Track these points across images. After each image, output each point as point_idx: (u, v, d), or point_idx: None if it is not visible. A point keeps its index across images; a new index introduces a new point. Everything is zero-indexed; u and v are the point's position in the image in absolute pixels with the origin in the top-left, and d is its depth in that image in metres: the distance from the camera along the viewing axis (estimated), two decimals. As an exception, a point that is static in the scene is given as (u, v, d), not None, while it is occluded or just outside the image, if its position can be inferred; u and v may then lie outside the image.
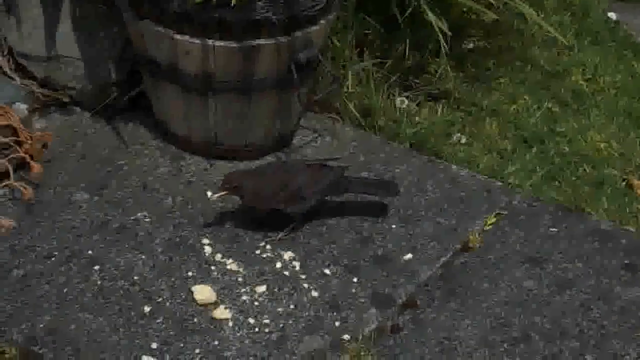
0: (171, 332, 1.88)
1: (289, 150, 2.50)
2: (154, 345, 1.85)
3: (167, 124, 2.45)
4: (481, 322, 1.99)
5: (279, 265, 2.09)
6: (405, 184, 2.40)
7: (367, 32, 2.73)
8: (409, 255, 2.15)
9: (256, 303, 1.97)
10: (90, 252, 2.08)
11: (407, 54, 2.74)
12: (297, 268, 2.08)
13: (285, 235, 2.13)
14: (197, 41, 2.20)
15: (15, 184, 2.22)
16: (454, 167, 2.49)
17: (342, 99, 2.65)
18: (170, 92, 2.34)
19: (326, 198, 2.20)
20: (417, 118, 2.68)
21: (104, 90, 2.52)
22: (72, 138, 2.47)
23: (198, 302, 1.95)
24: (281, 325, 1.92)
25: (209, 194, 2.24)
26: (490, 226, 2.28)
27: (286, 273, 2.06)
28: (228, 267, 2.07)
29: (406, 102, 2.73)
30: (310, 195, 2.14)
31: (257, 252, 2.12)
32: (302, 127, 2.59)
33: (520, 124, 2.70)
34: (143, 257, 2.08)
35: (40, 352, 1.82)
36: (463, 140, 2.62)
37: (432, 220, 2.27)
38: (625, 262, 2.17)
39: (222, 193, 2.11)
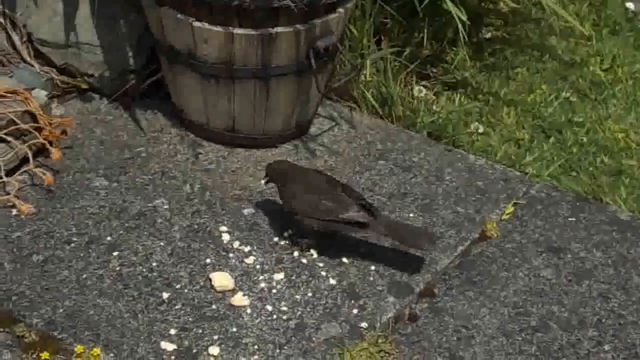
0: (190, 319, 1.88)
1: (307, 138, 2.49)
2: (173, 332, 1.85)
3: (185, 111, 2.44)
4: (499, 311, 1.98)
5: (296, 253, 2.08)
6: (423, 173, 2.39)
7: (385, 20, 2.71)
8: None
9: (274, 290, 1.97)
10: (109, 238, 2.08)
11: (425, 42, 2.72)
12: (315, 256, 2.07)
13: (307, 248, 2.06)
14: (216, 28, 2.19)
15: (35, 169, 2.21)
16: (471, 156, 2.48)
17: (360, 88, 2.64)
18: (188, 79, 2.33)
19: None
20: (434, 107, 2.67)
21: (122, 77, 2.51)
22: (91, 124, 2.47)
23: (216, 289, 1.95)
24: (299, 312, 1.91)
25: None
26: (508, 215, 2.26)
27: (304, 261, 2.06)
28: (246, 254, 2.06)
29: (424, 91, 2.71)
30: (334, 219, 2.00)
31: (275, 239, 2.11)
32: (320, 116, 2.58)
33: (538, 114, 2.68)
34: (162, 243, 2.07)
35: (60, 337, 1.82)
36: (481, 130, 2.60)
37: (450, 209, 2.26)
38: (644, 252, 2.15)
39: (265, 180, 2.10)
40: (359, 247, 2.11)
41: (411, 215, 2.23)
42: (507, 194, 2.34)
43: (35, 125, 2.28)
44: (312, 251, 2.08)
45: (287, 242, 2.10)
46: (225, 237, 2.10)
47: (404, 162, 2.44)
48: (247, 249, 2.08)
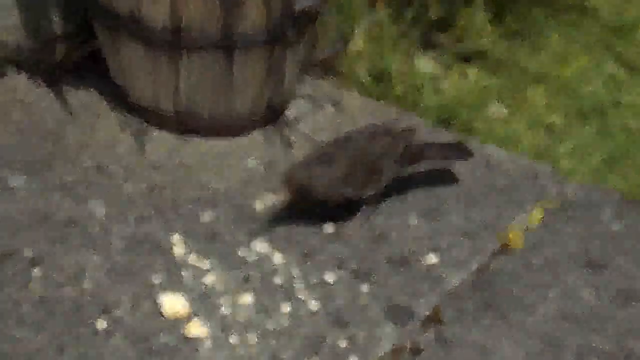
0: (132, 354, 1.87)
1: (282, 124, 2.49)
2: (111, 370, 1.84)
3: (129, 90, 2.43)
4: (525, 343, 1.98)
5: (268, 269, 2.07)
6: (428, 168, 2.39)
7: (381, -25, 2.72)
8: (433, 258, 2.14)
9: (240, 317, 1.96)
10: (28, 251, 2.07)
11: (431, 2, 2.73)
12: (292, 273, 2.07)
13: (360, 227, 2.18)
14: (166, -16, 2.19)
15: None
16: (490, 146, 2.49)
17: (349, 61, 2.64)
18: (131, 49, 2.32)
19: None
20: (443, 85, 2.67)
21: (47, 47, 2.50)
22: (7, 107, 2.45)
23: (166, 315, 1.94)
24: (272, 345, 1.91)
25: (257, 205, 2.21)
26: (537, 222, 2.27)
27: (278, 280, 2.05)
28: (204, 271, 2.05)
29: (430, 64, 2.72)
30: (385, 172, 2.19)
31: (241, 252, 2.10)
32: (298, 96, 2.58)
33: (574, 93, 2.69)
34: (97, 258, 2.06)
35: (-34, 378, 1.81)
36: (501, 113, 2.61)
37: (462, 214, 2.26)
38: None
39: (285, 197, 2.13)
40: (349, 261, 2.10)
41: (412, 222, 2.23)
42: (535, 194, 2.34)
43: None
44: (288, 267, 2.08)
45: (255, 256, 2.10)
46: (179, 250, 2.10)
47: (405, 155, 2.45)
48: (205, 264, 2.07)
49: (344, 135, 2.25)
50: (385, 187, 2.21)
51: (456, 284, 2.09)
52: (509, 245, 2.20)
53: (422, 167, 2.32)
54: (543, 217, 2.28)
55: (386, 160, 2.19)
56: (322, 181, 2.12)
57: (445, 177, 2.34)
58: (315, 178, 2.12)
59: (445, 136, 2.49)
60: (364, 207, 2.19)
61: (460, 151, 2.33)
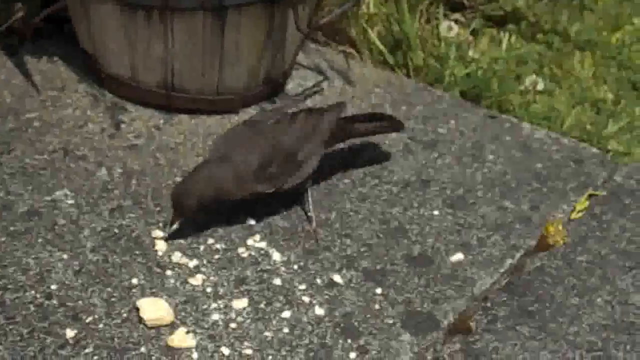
0: (107, 368, 1.89)
1: (282, 99, 2.49)
2: (82, 387, 1.85)
3: (101, 59, 2.44)
4: (567, 355, 1.99)
5: (266, 268, 2.09)
6: (453, 151, 2.40)
7: None
8: (459, 256, 2.15)
9: (233, 325, 1.97)
10: (-15, 248, 2.08)
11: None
12: (294, 273, 2.08)
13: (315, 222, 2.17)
14: None
15: None
16: (526, 125, 2.50)
17: (361, 24, 2.64)
18: (104, 10, 2.33)
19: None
20: (471, 53, 2.67)
21: (4, 8, 2.51)
22: (-41, 80, 2.47)
23: (147, 322, 1.95)
24: (269, 357, 1.92)
25: (158, 233, 2.14)
26: (581, 213, 2.28)
27: (277, 281, 2.06)
28: (191, 271, 2.06)
29: (455, 28, 2.72)
30: (309, 157, 2.17)
31: (235, 248, 2.12)
32: (301, 66, 2.58)
33: (626, 62, 2.69)
34: (65, 256, 2.07)
35: None
36: (541, 86, 2.62)
37: (493, 204, 2.27)
38: None
39: (178, 222, 2.09)
40: (360, 260, 2.11)
41: (435, 212, 2.24)
42: (580, 181, 2.35)
43: None
44: (289, 266, 2.08)
45: (252, 252, 2.11)
46: (161, 246, 2.11)
47: (426, 135, 2.45)
48: (192, 263, 2.08)
49: (253, 119, 2.23)
50: (314, 172, 2.19)
51: (487, 287, 2.10)
52: (548, 241, 2.21)
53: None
54: (589, 208, 2.29)
55: (308, 145, 2.17)
56: (223, 184, 2.08)
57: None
58: (215, 182, 2.07)
59: (475, 112, 2.50)
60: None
61: (392, 123, 2.35)
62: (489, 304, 2.08)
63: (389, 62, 2.65)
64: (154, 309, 1.96)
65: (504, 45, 2.72)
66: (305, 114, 2.21)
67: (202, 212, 2.11)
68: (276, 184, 2.13)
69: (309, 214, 2.18)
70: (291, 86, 2.55)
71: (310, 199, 2.19)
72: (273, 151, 2.12)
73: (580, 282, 2.14)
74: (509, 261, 2.15)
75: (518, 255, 2.17)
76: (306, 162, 2.17)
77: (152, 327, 1.94)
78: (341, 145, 2.35)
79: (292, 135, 2.16)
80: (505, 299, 2.09)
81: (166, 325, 1.95)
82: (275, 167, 2.12)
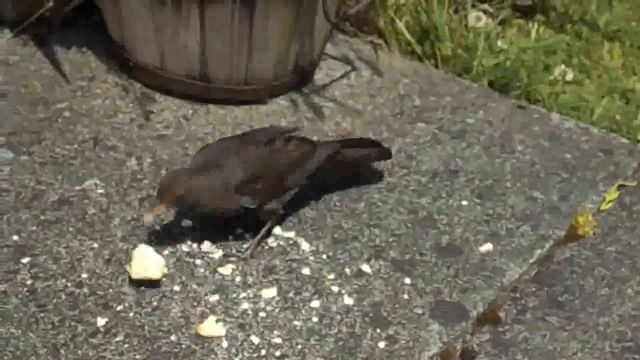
0: (137, 356, 1.89)
1: (310, 89, 2.50)
2: (112, 375, 1.87)
3: (130, 48, 2.45)
4: (596, 345, 1.99)
5: (295, 257, 2.09)
6: (482, 141, 2.40)
7: None
8: (488, 246, 2.15)
9: (262, 314, 1.97)
10: (16, 237, 2.08)
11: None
12: (323, 263, 2.09)
13: (256, 248, 2.10)
14: None
15: None
16: (555, 115, 2.49)
17: (389, 15, 2.64)
18: (134, 0, 2.34)
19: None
20: (499, 43, 2.67)
21: (33, -1, 2.52)
22: (-11, 69, 2.48)
23: (132, 276, 1.98)
24: (299, 347, 1.92)
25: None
26: (611, 204, 2.28)
27: (306, 271, 2.07)
28: (220, 261, 2.07)
29: (484, 18, 2.72)
30: (293, 186, 2.12)
31: (266, 238, 2.12)
32: (329, 56, 2.58)
33: (655, 52, 2.68)
34: (95, 245, 2.08)
35: (-55, 383, 1.84)
36: (569, 76, 2.61)
37: (522, 195, 2.28)
38: None
39: (161, 210, 2.02)
40: (388, 249, 2.12)
41: (464, 202, 2.24)
42: (609, 171, 2.35)
43: None
44: (318, 256, 2.09)
45: (280, 242, 2.12)
46: (191, 236, 2.12)
47: (454, 126, 2.45)
48: (221, 253, 2.09)
49: (245, 135, 2.17)
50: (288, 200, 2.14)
51: (516, 277, 2.10)
52: (578, 232, 2.21)
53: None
54: (619, 199, 2.29)
55: (294, 174, 2.12)
56: (203, 190, 2.03)
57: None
58: (197, 186, 2.02)
59: (503, 103, 2.50)
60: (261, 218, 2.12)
61: (381, 151, 2.28)
62: (518, 295, 2.08)
63: (416, 52, 2.64)
64: (145, 265, 1.98)
65: (532, 36, 2.71)
66: (299, 141, 2.15)
67: (179, 209, 2.08)
68: (259, 201, 2.07)
69: (257, 237, 2.09)
70: (319, 76, 2.55)
71: (269, 225, 2.11)
72: (263, 169, 2.07)
73: (610, 272, 2.13)
74: (538, 251, 2.15)
75: (547, 245, 2.17)
76: (290, 189, 2.12)
77: (136, 281, 1.98)
78: (368, 134, 2.36)
79: (285, 160, 2.11)
80: (534, 289, 2.09)
81: (152, 280, 1.98)
82: (261, 184, 2.07)
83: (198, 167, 2.06)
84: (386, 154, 2.29)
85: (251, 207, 2.07)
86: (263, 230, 2.11)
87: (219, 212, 2.08)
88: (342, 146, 2.21)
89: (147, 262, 1.99)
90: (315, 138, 2.32)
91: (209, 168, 2.05)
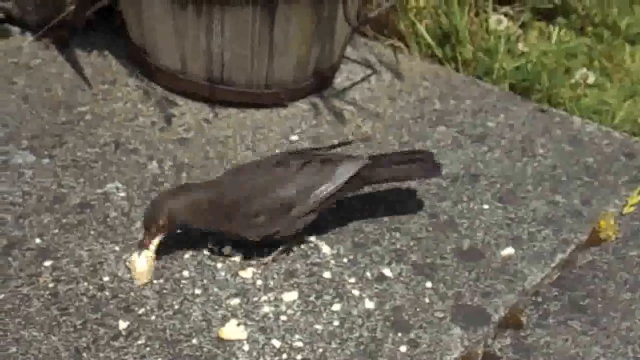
0: (158, 359, 1.89)
1: (330, 93, 2.50)
2: (134, 378, 1.87)
3: (151, 52, 2.46)
4: (619, 350, 1.98)
5: (316, 261, 2.09)
6: (503, 145, 2.39)
7: None
8: (510, 250, 2.15)
9: (283, 317, 1.98)
10: (38, 240, 2.09)
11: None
12: (344, 266, 2.09)
13: (274, 260, 2.09)
14: None
15: None
16: (576, 119, 2.49)
17: (410, 18, 2.64)
18: (154, 2, 2.34)
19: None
20: (520, 46, 2.66)
21: (55, 3, 2.52)
22: (9, 72, 2.49)
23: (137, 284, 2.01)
24: (320, 350, 1.92)
25: (138, 264, 2.03)
26: (633, 207, 2.27)
27: (327, 274, 2.07)
28: (242, 264, 2.07)
29: (505, 22, 2.71)
30: (306, 213, 2.05)
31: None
32: (349, 60, 2.58)
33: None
34: (117, 248, 2.09)
35: (-32, 385, 1.84)
36: (591, 80, 2.60)
37: (544, 199, 2.27)
38: None
39: (149, 244, 1.99)
40: (409, 253, 2.12)
41: (485, 206, 2.24)
42: (632, 175, 2.35)
43: None
44: (339, 259, 2.09)
45: (302, 246, 2.12)
46: (211, 240, 2.11)
47: (475, 129, 2.45)
48: (243, 256, 2.09)
49: (262, 161, 2.10)
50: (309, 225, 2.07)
51: (537, 281, 2.09)
52: (600, 236, 2.20)
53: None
54: (641, 203, 2.29)
55: (307, 200, 2.04)
56: (192, 211, 1.98)
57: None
58: (182, 206, 1.97)
59: (524, 106, 2.49)
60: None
61: (426, 169, 2.16)
62: (540, 299, 2.08)
63: (437, 55, 2.64)
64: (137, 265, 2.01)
65: (553, 39, 2.70)
66: (316, 164, 2.05)
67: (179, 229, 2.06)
68: (262, 233, 2.03)
69: (272, 254, 2.07)
70: (339, 80, 2.55)
71: (281, 249, 2.08)
72: (267, 200, 2.01)
73: (632, 276, 2.13)
74: (560, 255, 2.15)
75: (569, 249, 2.16)
76: (300, 218, 2.05)
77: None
78: (388, 137, 2.35)
79: (293, 188, 2.03)
80: (556, 293, 2.09)
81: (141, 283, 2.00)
82: (263, 217, 2.02)
83: (184, 186, 2.05)
84: (433, 170, 2.16)
85: (255, 240, 2.04)
86: (279, 250, 2.09)
87: (222, 231, 2.05)
88: (374, 162, 2.11)
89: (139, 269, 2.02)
90: (335, 142, 2.31)
91: (198, 186, 2.02)
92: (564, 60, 2.65)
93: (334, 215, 2.18)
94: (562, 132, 2.45)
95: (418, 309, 2.01)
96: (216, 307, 1.98)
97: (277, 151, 2.31)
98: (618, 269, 2.14)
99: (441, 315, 2.00)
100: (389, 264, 2.10)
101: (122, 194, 2.21)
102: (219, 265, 2.07)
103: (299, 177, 2.04)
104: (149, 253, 1.99)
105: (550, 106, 2.52)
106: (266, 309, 1.99)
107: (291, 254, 2.10)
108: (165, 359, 1.89)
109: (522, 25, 2.74)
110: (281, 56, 2.38)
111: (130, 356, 1.89)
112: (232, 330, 1.94)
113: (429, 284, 2.06)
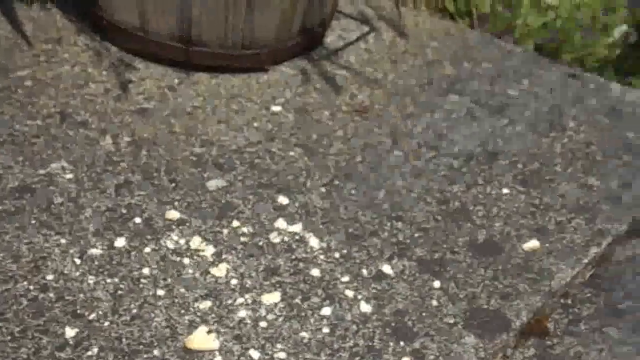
0: (113, 374, 1.91)
1: (321, 54, 2.50)
2: (84, 396, 1.88)
3: (104, 5, 2.45)
4: (664, 363, 1.99)
5: (302, 256, 2.10)
6: (527, 117, 2.39)
7: None
8: (534, 243, 2.15)
9: (263, 324, 1.98)
10: (-31, 231, 2.10)
11: None
12: (335, 263, 2.09)
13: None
14: None
15: None
16: (615, 85, 2.49)
17: (415, -36, 2.65)
18: (108, -52, 2.35)
19: None
20: (548, -1, 2.68)
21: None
22: (-64, 30, 2.49)
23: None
24: (307, 363, 1.94)
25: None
26: (682, 192, 2.28)
27: (315, 272, 2.08)
28: (213, 260, 2.08)
29: (529, -31, 2.72)
30: None
31: (265, 233, 2.13)
32: (343, 15, 2.58)
33: None
34: (63, 241, 2.09)
35: None
36: (633, 38, 2.60)
37: (575, 181, 2.28)
38: None
39: None
40: (413, 247, 2.12)
41: (505, 190, 2.24)
42: (680, 153, 2.36)
43: None
44: (329, 253, 2.09)
45: (284, 237, 2.12)
46: (177, 230, 2.13)
47: (493, 98, 2.45)
48: (214, 250, 2.10)
49: None
50: None
51: (567, 280, 2.10)
52: (642, 226, 2.22)
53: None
54: (691, 186, 2.29)
55: None
56: None
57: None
58: None
59: (552, 70, 2.50)
60: None
61: None
62: (569, 301, 2.08)
63: (448, 9, 2.64)
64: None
65: (587, -10, 2.72)
66: None
67: None
68: None
69: None
70: (331, 39, 2.55)
71: None
72: None
73: (680, 275, 2.14)
74: (594, 250, 2.15)
75: (605, 242, 2.17)
76: None
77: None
78: (390, 108, 2.36)
79: None
80: (589, 294, 2.09)
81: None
82: None
83: None
84: None
85: None
86: None
87: None
88: None
89: None
90: (326, 113, 2.32)
91: None
92: (600, 16, 2.65)
93: (323, 200, 2.19)
94: (598, 102, 2.45)
95: (424, 314, 2.02)
96: (182, 311, 1.98)
97: (255, 125, 2.31)
98: (663, 265, 2.16)
99: (452, 320, 2.01)
100: (390, 259, 2.11)
101: (69, 176, 2.21)
102: (186, 260, 2.07)
103: None
104: None
105: (583, 70, 2.53)
106: (242, 313, 1.99)
107: (272, 247, 2.11)
108: (121, 373, 1.90)
109: (551, -26, 2.76)
110: (262, 9, 2.38)
111: (79, 370, 1.90)
112: (202, 339, 1.94)
113: (437, 284, 2.07)
